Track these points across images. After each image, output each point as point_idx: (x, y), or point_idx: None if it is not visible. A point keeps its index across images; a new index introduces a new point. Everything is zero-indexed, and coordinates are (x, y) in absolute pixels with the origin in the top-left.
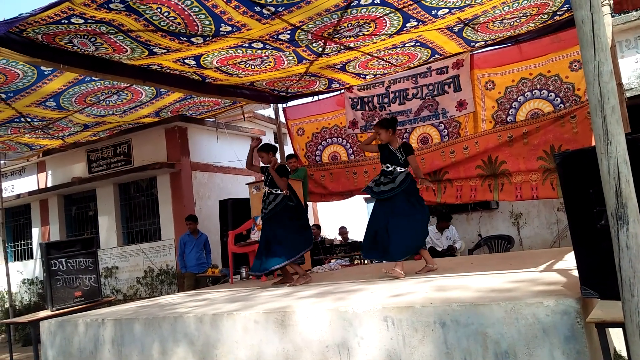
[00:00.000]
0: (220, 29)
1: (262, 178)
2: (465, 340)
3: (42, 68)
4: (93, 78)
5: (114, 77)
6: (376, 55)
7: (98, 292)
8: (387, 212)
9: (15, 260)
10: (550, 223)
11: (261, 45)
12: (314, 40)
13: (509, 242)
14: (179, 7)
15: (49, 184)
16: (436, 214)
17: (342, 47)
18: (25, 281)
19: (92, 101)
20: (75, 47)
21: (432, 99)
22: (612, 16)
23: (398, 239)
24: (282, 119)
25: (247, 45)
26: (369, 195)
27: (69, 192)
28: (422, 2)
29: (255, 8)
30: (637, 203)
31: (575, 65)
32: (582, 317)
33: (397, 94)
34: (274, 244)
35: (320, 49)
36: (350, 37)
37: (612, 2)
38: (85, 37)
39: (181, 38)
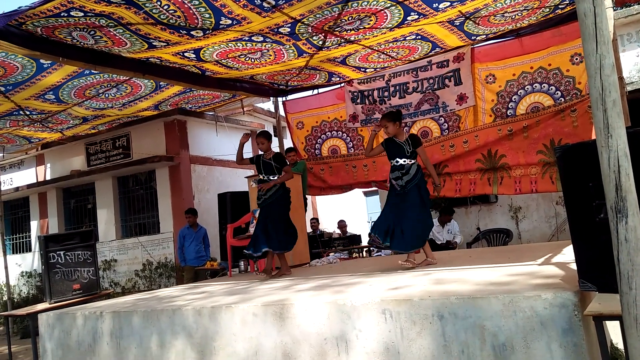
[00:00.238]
0: (220, 22)
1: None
2: (463, 333)
3: (41, 61)
4: (92, 71)
5: (113, 70)
6: (377, 48)
7: (96, 285)
8: (401, 203)
9: (13, 253)
10: (549, 217)
11: (261, 39)
12: (314, 34)
13: (507, 235)
14: (179, 0)
15: (48, 177)
16: (436, 208)
17: (342, 40)
18: (24, 274)
19: (91, 94)
20: (75, 40)
21: (432, 93)
22: (614, 10)
23: (412, 230)
24: (281, 112)
25: (247, 38)
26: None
27: (67, 185)
28: None
29: (256, 1)
30: (636, 196)
31: (577, 59)
32: (580, 310)
33: (397, 87)
34: (276, 229)
35: (320, 42)
36: (350, 30)
37: None
38: (85, 30)
39: (181, 31)
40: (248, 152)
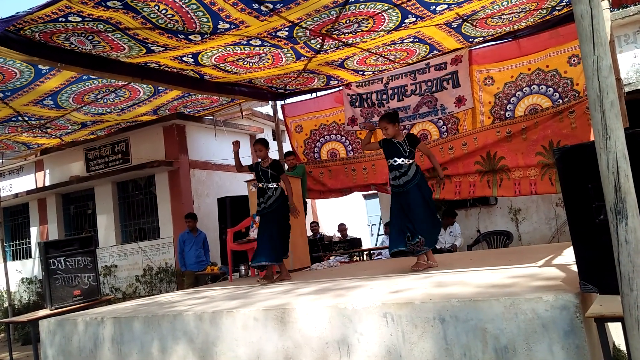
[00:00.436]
0: (218, 27)
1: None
2: (464, 336)
3: (40, 67)
4: (91, 76)
5: (111, 76)
6: (375, 51)
7: (97, 290)
8: (405, 206)
9: (13, 259)
10: (549, 218)
11: (259, 43)
12: (312, 37)
13: (507, 237)
14: (177, 4)
15: (47, 183)
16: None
17: (340, 43)
18: (24, 280)
19: (89, 99)
20: (73, 46)
21: (430, 95)
22: (611, 11)
23: (423, 231)
24: (280, 116)
25: (245, 42)
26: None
27: (67, 191)
28: None
29: (253, 5)
30: (636, 198)
31: (574, 60)
32: (581, 311)
33: (395, 90)
34: (275, 240)
35: (318, 46)
36: (348, 33)
37: None
38: (83, 35)
39: (179, 36)
40: (247, 157)
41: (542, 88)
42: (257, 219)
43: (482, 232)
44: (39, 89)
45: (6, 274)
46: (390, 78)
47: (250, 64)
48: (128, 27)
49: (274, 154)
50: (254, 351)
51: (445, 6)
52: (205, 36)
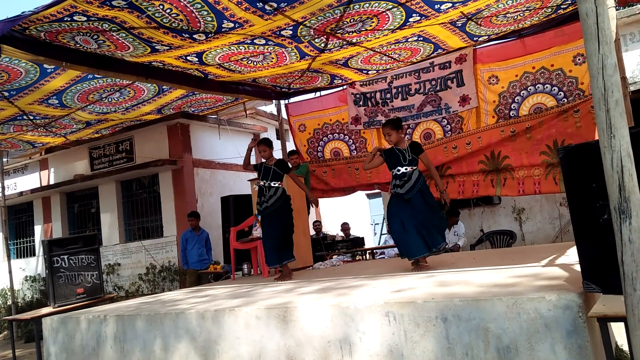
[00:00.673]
0: (223, 26)
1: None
2: (467, 335)
3: (45, 66)
4: (95, 76)
5: (116, 75)
6: (379, 50)
7: (100, 288)
8: (406, 210)
9: (17, 257)
10: (552, 218)
11: (263, 42)
12: (316, 36)
13: (511, 237)
14: (181, 3)
15: (52, 182)
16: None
17: (344, 42)
18: (28, 278)
19: (94, 99)
20: (78, 45)
21: (434, 94)
22: (616, 10)
23: (430, 227)
24: (284, 115)
25: (249, 41)
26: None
27: (71, 190)
28: None
29: (258, 4)
30: None
31: (579, 59)
32: (584, 311)
33: (399, 89)
34: (284, 240)
35: (322, 45)
36: (352, 32)
37: None
38: (88, 34)
39: (183, 35)
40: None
41: (546, 87)
42: (260, 217)
43: (485, 231)
44: (44, 88)
45: (10, 271)
46: (394, 77)
47: (255, 63)
48: (133, 26)
49: (277, 153)
50: (256, 350)
51: (450, 5)
52: (210, 35)
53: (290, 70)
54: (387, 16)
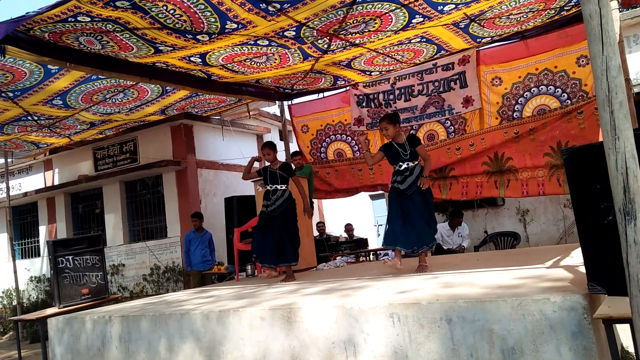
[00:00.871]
0: (226, 26)
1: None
2: (471, 337)
3: (49, 66)
4: (99, 76)
5: (120, 76)
6: (382, 51)
7: (105, 289)
8: (406, 206)
9: (22, 258)
10: (556, 219)
11: (266, 43)
12: (319, 37)
13: (515, 238)
14: (185, 4)
15: (56, 182)
16: (444, 211)
17: (347, 43)
18: (33, 279)
19: (98, 99)
20: (82, 46)
21: (437, 96)
22: (620, 11)
23: (421, 227)
24: (287, 116)
25: (252, 42)
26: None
27: (75, 190)
28: None
29: (261, 5)
30: None
31: (583, 61)
32: (589, 313)
33: (402, 90)
34: (286, 243)
35: (325, 46)
36: (355, 33)
37: None
38: (92, 35)
39: (187, 36)
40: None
41: (550, 89)
42: (262, 218)
43: (489, 233)
44: (48, 89)
45: (15, 272)
46: (397, 78)
47: (258, 64)
48: (136, 27)
49: (281, 154)
50: (261, 350)
51: (453, 6)
52: (213, 36)
53: (293, 71)
54: (390, 17)
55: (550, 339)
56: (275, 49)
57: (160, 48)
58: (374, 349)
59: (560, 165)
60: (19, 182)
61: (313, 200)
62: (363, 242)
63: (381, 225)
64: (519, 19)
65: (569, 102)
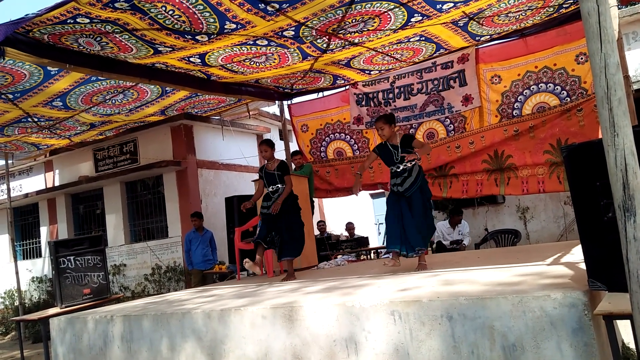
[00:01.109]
0: (225, 27)
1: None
2: (472, 334)
3: (49, 68)
4: (99, 77)
5: (119, 77)
6: (381, 50)
7: (106, 289)
8: (406, 212)
9: (24, 258)
10: (557, 217)
11: (266, 42)
12: (318, 37)
13: (515, 236)
14: (184, 5)
15: (57, 183)
16: (444, 209)
17: (346, 43)
18: (35, 279)
19: (98, 100)
20: (81, 47)
21: (437, 94)
22: (619, 8)
23: (418, 230)
24: (287, 116)
25: (251, 42)
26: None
27: (76, 191)
28: None
29: (260, 5)
30: None
31: (582, 58)
32: (590, 309)
33: (402, 89)
34: (287, 239)
35: (324, 45)
36: (354, 32)
37: None
38: (91, 36)
39: (186, 36)
40: (254, 157)
41: (549, 86)
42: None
43: (489, 230)
44: (48, 90)
45: (17, 273)
46: (396, 77)
47: (257, 64)
48: (135, 28)
49: (280, 153)
50: (262, 349)
51: (452, 4)
52: (212, 36)
53: (292, 70)
54: (389, 16)
55: (551, 335)
56: (274, 49)
57: (159, 49)
58: (375, 347)
59: (560, 163)
60: (20, 183)
61: (314, 199)
62: (364, 241)
63: (382, 223)
64: (517, 17)
65: (569, 99)
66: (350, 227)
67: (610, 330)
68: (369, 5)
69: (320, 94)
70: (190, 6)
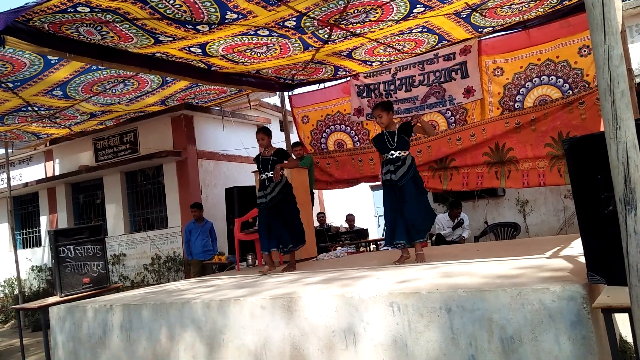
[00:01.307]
0: (226, 17)
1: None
2: (471, 326)
3: (49, 57)
4: (99, 67)
5: (120, 66)
6: (383, 41)
7: (106, 278)
8: (401, 203)
9: (23, 247)
10: (557, 210)
11: (267, 33)
12: (320, 27)
13: (515, 229)
14: None
15: (57, 173)
16: (444, 202)
17: (348, 33)
18: (34, 268)
19: (98, 90)
20: (82, 36)
21: (439, 86)
22: (622, 1)
23: (416, 221)
24: (288, 107)
25: (252, 32)
26: (378, 183)
27: (76, 181)
28: None
29: None
30: None
31: (585, 51)
32: (589, 302)
33: (403, 80)
34: (285, 229)
35: (326, 36)
36: (356, 23)
37: None
38: (91, 25)
39: (187, 26)
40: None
41: (552, 79)
42: (263, 208)
43: (489, 223)
44: (48, 80)
45: (16, 261)
46: (398, 68)
47: (258, 55)
48: (136, 17)
49: (281, 144)
50: (261, 339)
51: None
52: (213, 26)
53: (293, 61)
54: (391, 7)
55: (549, 328)
56: (275, 39)
57: (160, 38)
58: (374, 338)
59: (561, 156)
60: (20, 172)
61: (314, 190)
62: (363, 233)
63: (381, 216)
64: (520, 8)
65: (571, 92)
66: (350, 218)
67: (609, 323)
68: None
69: (322, 85)
70: None
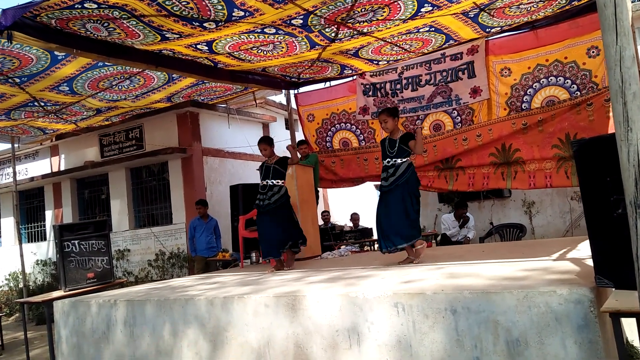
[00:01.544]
0: (233, 14)
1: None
2: (476, 328)
3: (56, 53)
4: (106, 63)
5: (126, 63)
6: (390, 40)
7: (110, 274)
8: (385, 203)
9: (29, 241)
10: (563, 212)
11: (274, 31)
12: (327, 26)
13: (521, 230)
14: None
15: (62, 168)
16: (448, 202)
17: (355, 32)
18: (39, 262)
19: (104, 86)
20: (89, 32)
21: (445, 86)
22: (632, 2)
23: (398, 227)
24: (293, 105)
25: (259, 30)
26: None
27: (81, 176)
28: None
29: None
30: None
31: (593, 52)
32: (596, 306)
33: (409, 80)
34: (284, 231)
35: (333, 35)
36: (363, 22)
37: None
38: (99, 22)
39: (194, 23)
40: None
41: (559, 80)
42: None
43: (495, 224)
44: (54, 75)
45: (21, 255)
46: (404, 68)
47: (264, 53)
48: (143, 14)
49: (287, 142)
50: (265, 337)
51: None
52: (220, 24)
53: (300, 59)
54: (398, 6)
55: (556, 331)
56: (282, 37)
57: (166, 35)
58: (378, 338)
59: (569, 158)
60: (26, 167)
61: (318, 189)
62: (368, 232)
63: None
64: (529, 8)
65: (579, 93)
66: (355, 217)
67: (617, 328)
68: None
69: (328, 84)
70: None
